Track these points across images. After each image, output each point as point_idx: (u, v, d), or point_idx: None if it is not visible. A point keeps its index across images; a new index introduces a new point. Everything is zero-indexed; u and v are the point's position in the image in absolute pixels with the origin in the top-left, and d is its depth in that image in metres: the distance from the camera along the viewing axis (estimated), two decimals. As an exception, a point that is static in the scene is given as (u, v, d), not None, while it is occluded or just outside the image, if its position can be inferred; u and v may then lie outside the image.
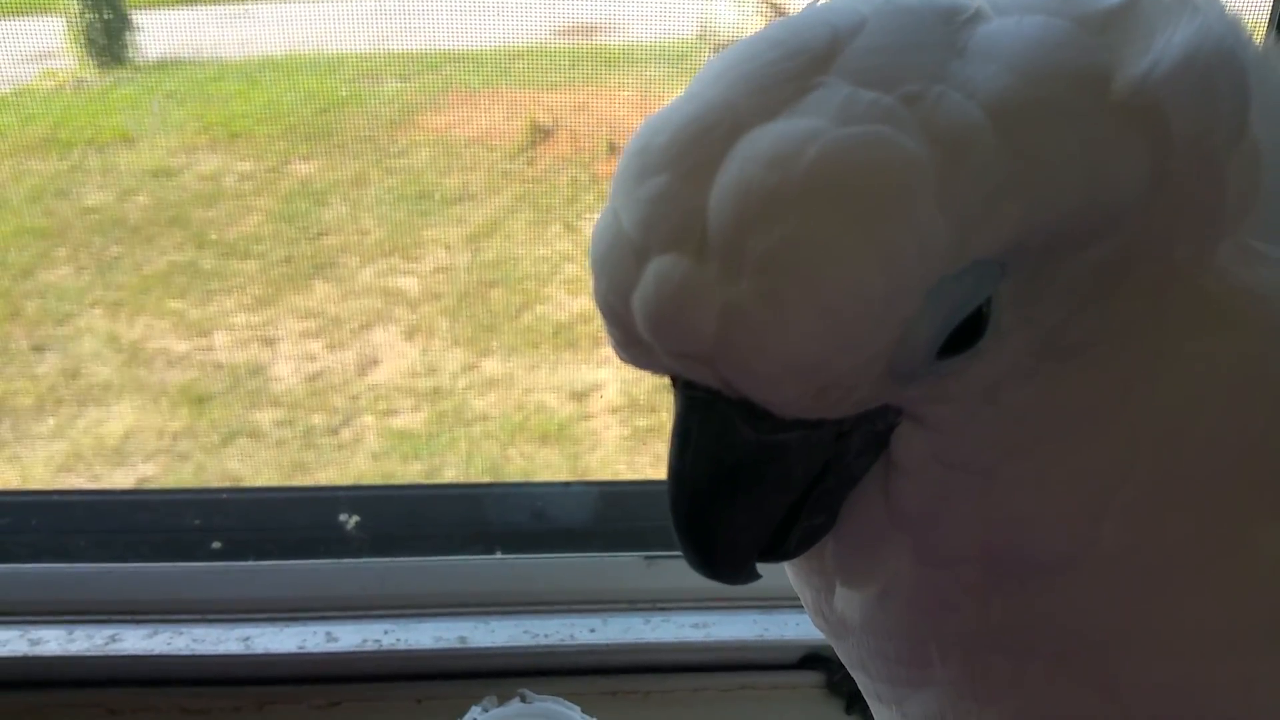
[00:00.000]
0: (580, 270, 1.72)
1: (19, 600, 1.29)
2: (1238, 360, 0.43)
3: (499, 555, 1.37)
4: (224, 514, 1.44)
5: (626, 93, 1.54)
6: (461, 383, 1.67)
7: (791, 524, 0.46)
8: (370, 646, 1.25)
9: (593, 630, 1.28)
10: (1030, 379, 0.43)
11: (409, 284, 1.62)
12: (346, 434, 1.64)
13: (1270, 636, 0.45)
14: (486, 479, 1.65)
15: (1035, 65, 0.39)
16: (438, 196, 1.56)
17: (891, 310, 0.37)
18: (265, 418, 1.65)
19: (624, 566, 1.33)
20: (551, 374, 1.72)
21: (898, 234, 0.36)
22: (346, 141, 1.53)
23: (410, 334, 1.63)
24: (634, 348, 0.43)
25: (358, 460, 1.64)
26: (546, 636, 1.27)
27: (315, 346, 1.62)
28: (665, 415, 1.71)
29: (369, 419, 1.64)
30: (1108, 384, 0.43)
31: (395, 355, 1.61)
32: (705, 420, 0.43)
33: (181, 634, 1.26)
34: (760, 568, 0.49)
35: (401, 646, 1.25)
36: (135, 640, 1.25)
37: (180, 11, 1.56)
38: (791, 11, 0.43)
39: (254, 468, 1.66)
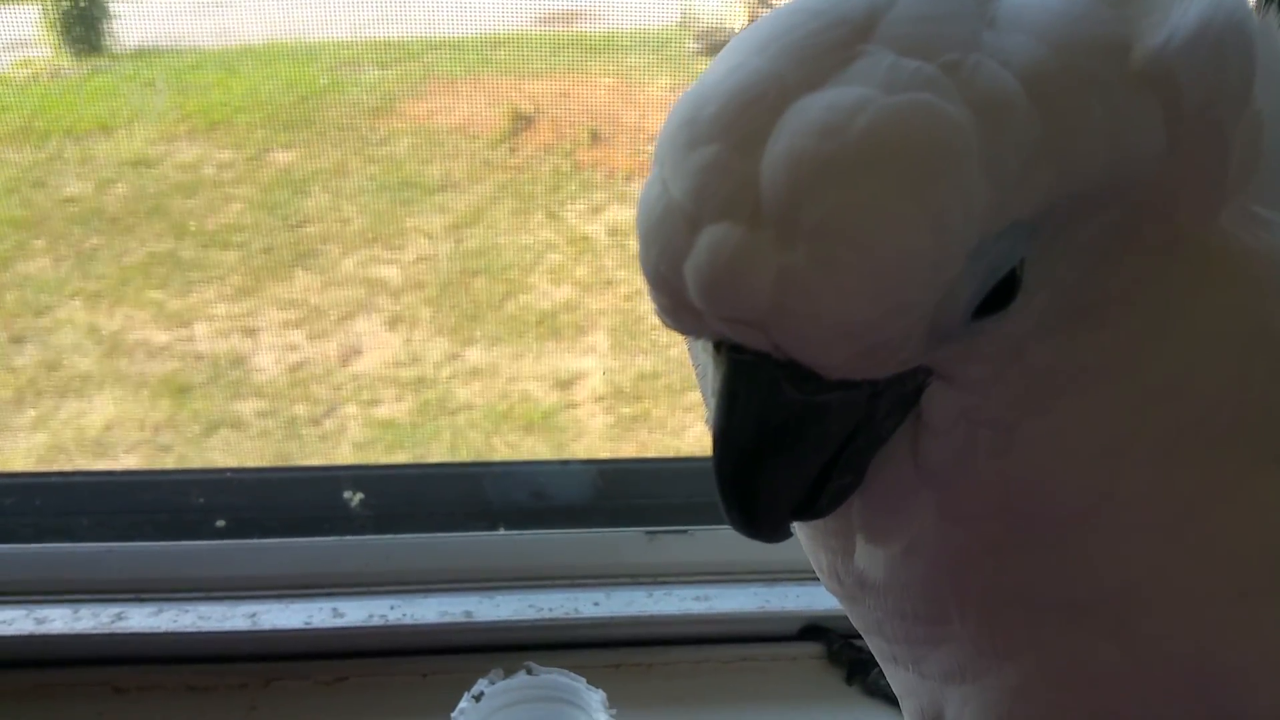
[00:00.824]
0: (563, 259, 1.72)
1: (24, 579, 1.30)
2: (1242, 316, 0.45)
3: (501, 531, 1.38)
4: (228, 493, 1.45)
5: (608, 81, 1.54)
6: (445, 372, 1.67)
7: (824, 483, 0.47)
8: (377, 621, 1.26)
9: (596, 604, 1.29)
10: (1052, 337, 0.44)
11: (391, 273, 1.61)
12: (330, 424, 1.63)
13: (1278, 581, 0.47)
14: (487, 458, 1.66)
15: (1062, 36, 0.40)
16: (420, 185, 1.55)
17: (939, 272, 0.39)
18: (247, 408, 1.65)
19: (626, 541, 1.35)
20: (536, 363, 1.72)
21: (946, 197, 0.38)
22: (327, 130, 1.53)
23: (393, 323, 1.63)
24: (683, 313, 0.43)
25: (341, 451, 1.64)
26: (551, 610, 1.28)
27: (297, 336, 1.61)
28: (649, 403, 1.72)
29: (352, 409, 1.64)
30: (1121, 341, 0.45)
31: (378, 345, 1.61)
32: (752, 382, 0.43)
33: (187, 611, 1.27)
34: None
35: (408, 621, 1.27)
36: (141, 618, 1.26)
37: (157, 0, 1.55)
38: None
39: (237, 459, 1.66)
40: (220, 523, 1.39)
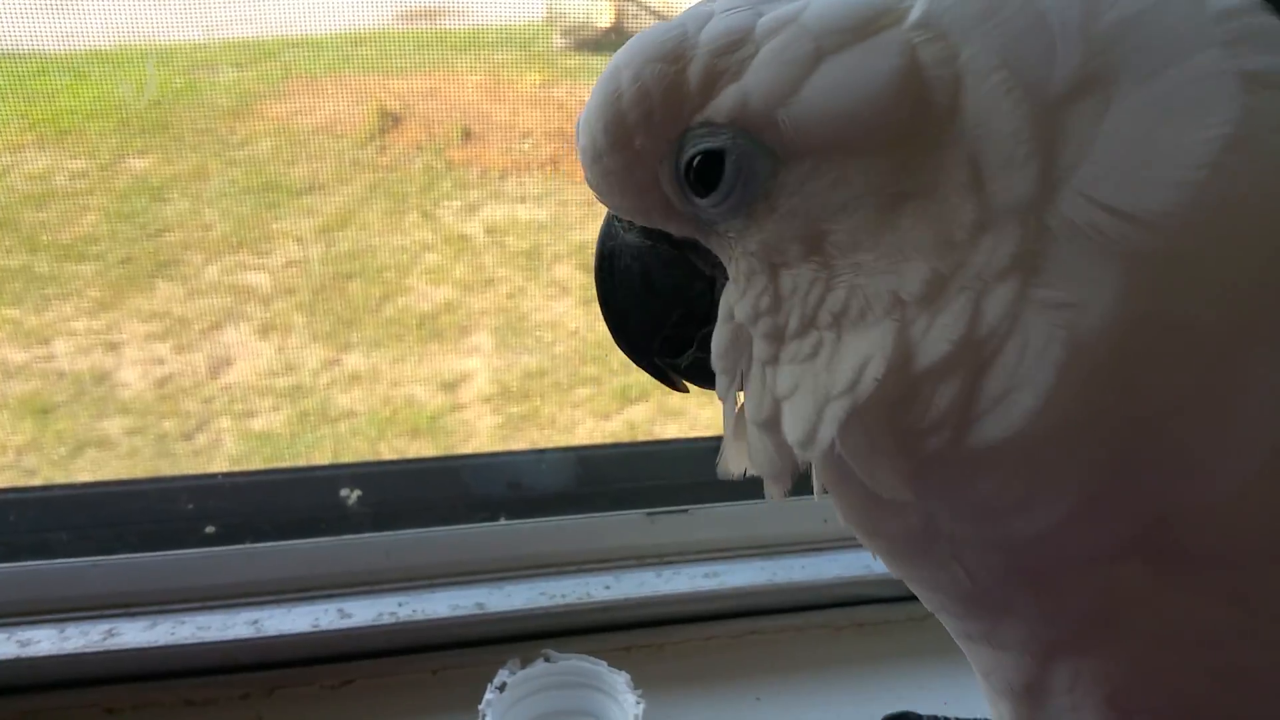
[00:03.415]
0: (441, 259, 1.69)
1: (5, 601, 1.23)
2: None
3: (503, 521, 1.37)
4: (218, 498, 1.40)
5: (476, 78, 1.52)
6: (323, 379, 1.63)
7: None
8: (387, 620, 1.24)
9: (608, 587, 1.29)
10: (801, 263, 0.50)
11: (259, 279, 1.56)
12: (202, 439, 1.58)
13: None
14: (483, 450, 1.63)
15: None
16: (284, 188, 1.51)
17: (642, 127, 0.54)
18: (114, 426, 1.58)
19: (627, 524, 1.35)
20: (418, 366, 1.69)
21: (641, 79, 0.53)
22: (184, 134, 1.47)
23: (264, 331, 1.58)
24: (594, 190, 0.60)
25: (217, 466, 1.58)
26: (564, 596, 1.27)
27: (162, 349, 1.55)
28: (538, 401, 1.70)
29: (225, 421, 1.59)
30: (879, 290, 0.47)
31: (249, 354, 1.56)
32: (602, 227, 0.62)
33: (184, 623, 1.22)
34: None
35: (419, 617, 1.24)
36: (134, 633, 1.21)
37: (-6, 1, 1.47)
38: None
39: (107, 479, 1.59)
40: (210, 529, 1.34)
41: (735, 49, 0.50)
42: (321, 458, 1.62)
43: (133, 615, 1.23)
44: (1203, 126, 0.42)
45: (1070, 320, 0.43)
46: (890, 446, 0.47)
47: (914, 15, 0.46)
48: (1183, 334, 0.42)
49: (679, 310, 0.60)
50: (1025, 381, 0.43)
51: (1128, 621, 0.48)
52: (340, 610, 1.25)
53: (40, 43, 1.47)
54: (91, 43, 1.50)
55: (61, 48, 1.49)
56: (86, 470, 1.59)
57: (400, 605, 1.26)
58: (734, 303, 0.53)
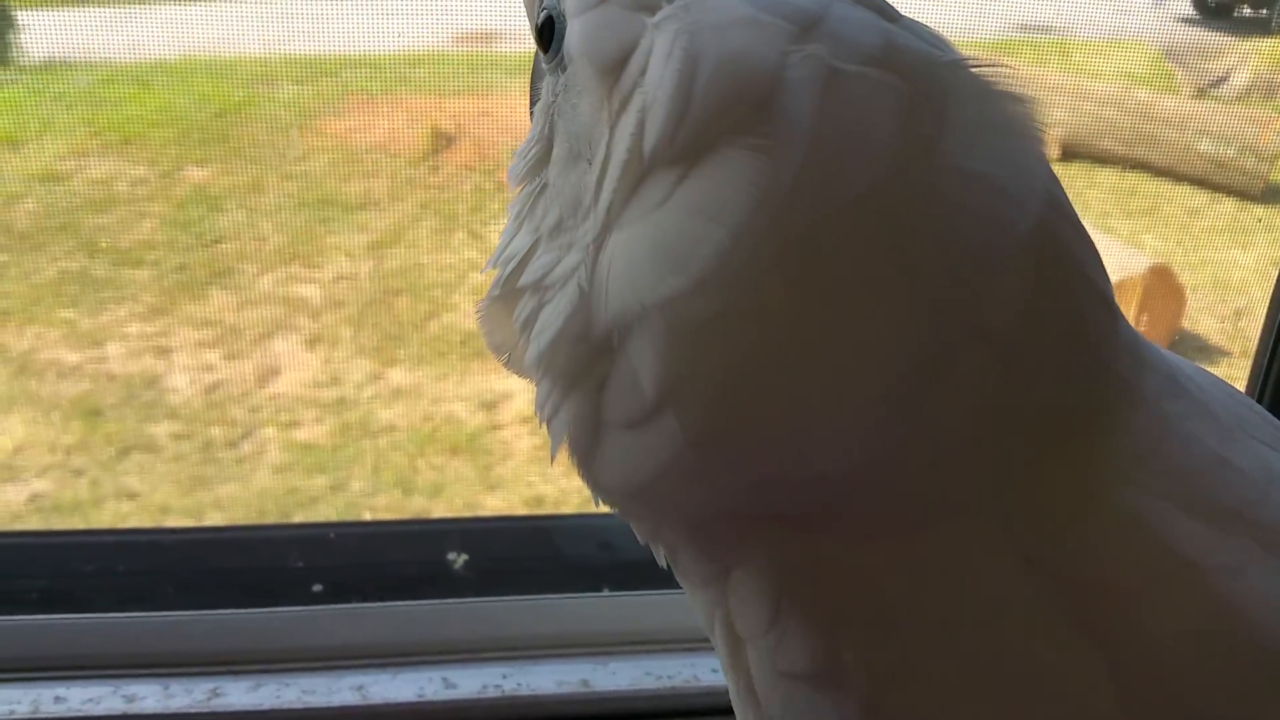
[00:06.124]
0: (487, 279, 1.70)
1: (111, 654, 1.18)
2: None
3: (607, 593, 1.31)
4: (327, 552, 1.33)
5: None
6: (367, 393, 1.64)
7: None
8: (492, 693, 1.17)
9: (715, 670, 1.21)
10: (552, 164, 0.50)
11: (310, 292, 1.58)
12: (247, 447, 1.60)
13: None
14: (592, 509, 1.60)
15: None
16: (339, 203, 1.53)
17: None
18: (161, 431, 1.60)
19: None
20: (460, 384, 1.70)
21: None
22: (243, 147, 1.50)
23: (312, 343, 1.60)
24: None
25: (260, 475, 1.60)
26: (670, 678, 1.21)
27: (212, 357, 1.58)
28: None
29: (270, 431, 1.60)
30: (555, 224, 0.48)
31: (296, 365, 1.58)
32: None
33: (289, 685, 1.16)
34: None
35: (524, 691, 1.18)
36: (239, 694, 1.15)
37: (67, 12, 1.51)
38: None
39: (152, 483, 1.62)
40: (317, 587, 1.28)
41: None
42: (362, 473, 1.63)
43: (236, 674, 1.17)
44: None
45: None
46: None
47: None
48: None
49: None
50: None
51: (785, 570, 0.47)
52: (445, 679, 1.18)
53: (109, 52, 1.50)
54: (158, 53, 1.53)
55: (129, 58, 1.52)
56: (132, 473, 1.62)
57: (505, 678, 1.19)
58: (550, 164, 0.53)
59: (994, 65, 0.43)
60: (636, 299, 0.41)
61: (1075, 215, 0.44)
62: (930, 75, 0.41)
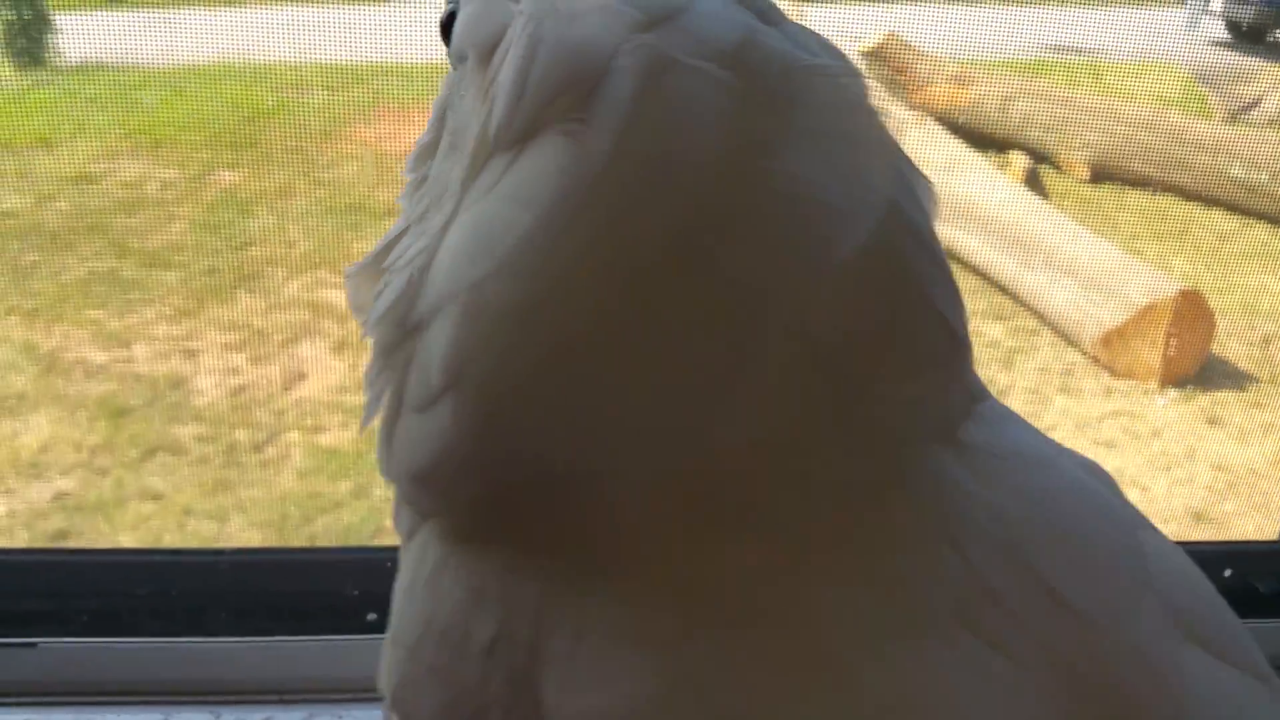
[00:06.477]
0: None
1: (159, 680, 1.15)
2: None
3: None
4: (382, 580, 1.28)
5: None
6: (390, 399, 1.65)
7: None
8: None
9: None
10: (436, 157, 0.47)
11: (338, 298, 1.59)
12: (271, 451, 1.61)
13: None
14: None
15: None
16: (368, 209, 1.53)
17: None
18: (186, 433, 1.61)
19: None
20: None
21: None
22: (273, 152, 1.50)
23: (339, 348, 1.60)
24: None
25: (283, 478, 1.61)
26: None
27: (239, 360, 1.58)
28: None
29: (295, 435, 1.61)
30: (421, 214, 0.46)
31: (323, 370, 1.58)
32: None
33: (342, 716, 1.12)
34: None
35: None
36: None
37: (102, 15, 1.52)
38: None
39: (176, 485, 1.62)
40: (371, 615, 1.27)
41: None
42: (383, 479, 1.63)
43: (288, 704, 1.15)
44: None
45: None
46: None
47: None
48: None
49: None
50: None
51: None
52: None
53: (143, 56, 1.51)
54: (190, 58, 1.54)
55: (162, 63, 1.53)
56: (156, 474, 1.62)
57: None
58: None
59: (858, 77, 0.41)
60: (450, 284, 0.40)
61: (930, 236, 0.42)
62: (783, 78, 0.39)
